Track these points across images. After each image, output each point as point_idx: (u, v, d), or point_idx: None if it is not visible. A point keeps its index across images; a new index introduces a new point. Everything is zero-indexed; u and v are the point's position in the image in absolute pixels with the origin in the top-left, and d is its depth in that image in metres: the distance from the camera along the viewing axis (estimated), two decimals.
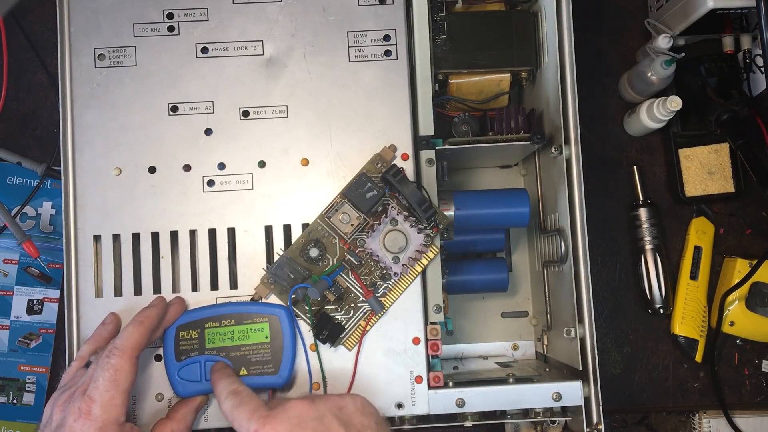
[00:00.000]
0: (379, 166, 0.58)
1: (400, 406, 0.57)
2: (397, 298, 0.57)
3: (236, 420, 0.49)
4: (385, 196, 0.57)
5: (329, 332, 0.56)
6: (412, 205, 0.55)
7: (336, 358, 0.57)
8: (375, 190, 0.57)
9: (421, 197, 0.55)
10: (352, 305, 0.57)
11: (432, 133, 0.59)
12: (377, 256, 0.57)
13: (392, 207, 0.57)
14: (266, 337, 0.55)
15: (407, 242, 0.57)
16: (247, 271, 0.58)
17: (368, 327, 0.57)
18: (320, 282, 0.55)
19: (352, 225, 0.57)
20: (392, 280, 0.57)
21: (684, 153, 0.76)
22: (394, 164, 0.57)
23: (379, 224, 0.57)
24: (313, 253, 0.57)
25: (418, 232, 0.57)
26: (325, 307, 0.57)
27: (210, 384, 0.54)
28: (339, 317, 0.57)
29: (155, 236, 0.58)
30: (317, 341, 0.56)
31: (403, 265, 0.57)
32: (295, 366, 0.56)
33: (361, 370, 0.57)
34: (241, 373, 0.55)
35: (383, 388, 0.57)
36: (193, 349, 0.55)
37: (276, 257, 0.57)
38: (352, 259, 0.57)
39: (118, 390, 0.49)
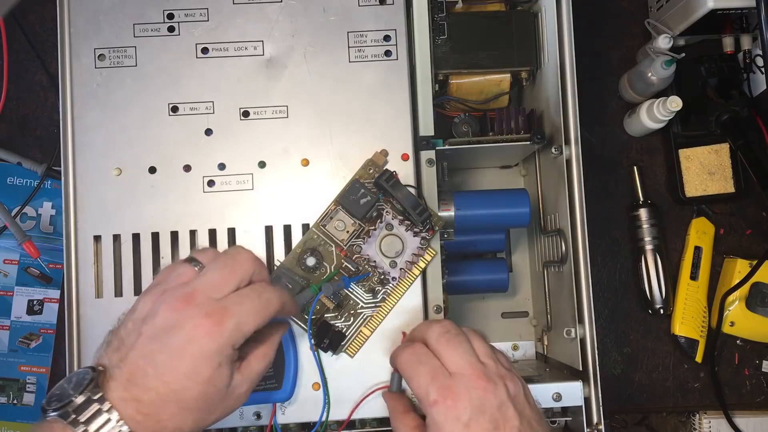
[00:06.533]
0: (371, 171, 0.58)
1: None
2: (396, 303, 0.57)
3: (414, 378, 0.47)
4: (379, 201, 0.57)
5: (330, 340, 0.55)
6: (406, 208, 0.55)
7: (337, 361, 0.57)
8: (368, 196, 0.56)
9: (415, 201, 0.55)
10: (352, 312, 0.57)
11: (432, 133, 0.58)
12: (374, 261, 0.57)
13: (387, 212, 0.57)
14: None
15: (404, 246, 0.57)
16: None
17: (369, 331, 0.57)
18: (330, 285, 0.55)
19: (347, 232, 0.57)
20: (391, 285, 0.57)
21: (684, 153, 0.76)
22: (387, 169, 0.57)
23: (375, 230, 0.57)
24: (310, 261, 0.56)
25: (414, 236, 0.57)
26: (325, 315, 0.57)
27: None
28: (339, 325, 0.57)
29: (155, 236, 0.57)
30: (319, 349, 0.56)
31: (400, 269, 0.57)
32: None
33: (363, 371, 0.57)
34: None
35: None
36: None
37: (276, 262, 0.57)
38: (349, 265, 0.57)
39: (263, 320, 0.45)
